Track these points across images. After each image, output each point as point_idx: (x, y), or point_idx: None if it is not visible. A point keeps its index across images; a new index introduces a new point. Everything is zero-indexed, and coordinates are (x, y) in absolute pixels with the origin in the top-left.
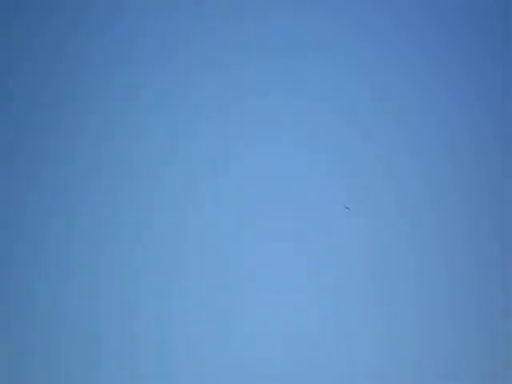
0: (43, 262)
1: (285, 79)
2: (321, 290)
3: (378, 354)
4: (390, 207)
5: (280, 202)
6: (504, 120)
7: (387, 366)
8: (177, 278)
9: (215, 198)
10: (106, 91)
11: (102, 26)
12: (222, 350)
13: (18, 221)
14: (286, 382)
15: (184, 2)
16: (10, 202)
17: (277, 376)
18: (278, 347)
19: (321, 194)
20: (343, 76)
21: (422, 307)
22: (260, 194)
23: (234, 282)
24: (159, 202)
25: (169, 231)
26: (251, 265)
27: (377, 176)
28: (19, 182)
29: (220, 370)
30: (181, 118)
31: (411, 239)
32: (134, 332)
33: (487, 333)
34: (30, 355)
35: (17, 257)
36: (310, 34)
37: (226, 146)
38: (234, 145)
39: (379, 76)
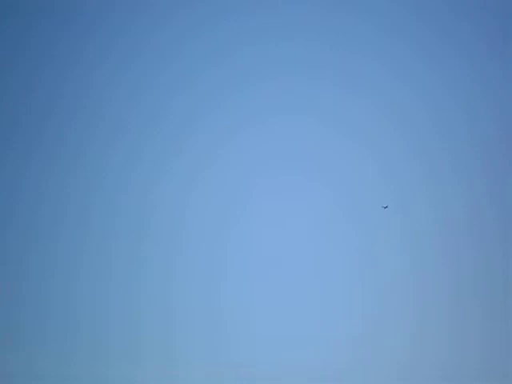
0: (55, 261)
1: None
2: (325, 293)
3: (372, 353)
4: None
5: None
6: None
7: (379, 365)
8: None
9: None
10: (114, 93)
11: (110, 38)
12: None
13: (31, 223)
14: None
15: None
16: (22, 204)
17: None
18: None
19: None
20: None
21: (419, 309)
22: (260, 199)
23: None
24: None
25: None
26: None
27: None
28: (31, 187)
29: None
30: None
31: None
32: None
33: (487, 335)
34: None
35: (30, 256)
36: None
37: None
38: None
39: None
